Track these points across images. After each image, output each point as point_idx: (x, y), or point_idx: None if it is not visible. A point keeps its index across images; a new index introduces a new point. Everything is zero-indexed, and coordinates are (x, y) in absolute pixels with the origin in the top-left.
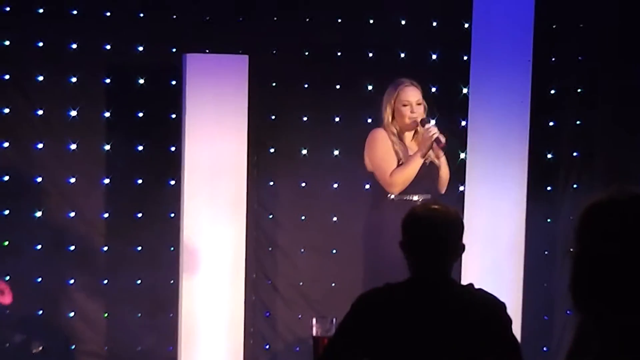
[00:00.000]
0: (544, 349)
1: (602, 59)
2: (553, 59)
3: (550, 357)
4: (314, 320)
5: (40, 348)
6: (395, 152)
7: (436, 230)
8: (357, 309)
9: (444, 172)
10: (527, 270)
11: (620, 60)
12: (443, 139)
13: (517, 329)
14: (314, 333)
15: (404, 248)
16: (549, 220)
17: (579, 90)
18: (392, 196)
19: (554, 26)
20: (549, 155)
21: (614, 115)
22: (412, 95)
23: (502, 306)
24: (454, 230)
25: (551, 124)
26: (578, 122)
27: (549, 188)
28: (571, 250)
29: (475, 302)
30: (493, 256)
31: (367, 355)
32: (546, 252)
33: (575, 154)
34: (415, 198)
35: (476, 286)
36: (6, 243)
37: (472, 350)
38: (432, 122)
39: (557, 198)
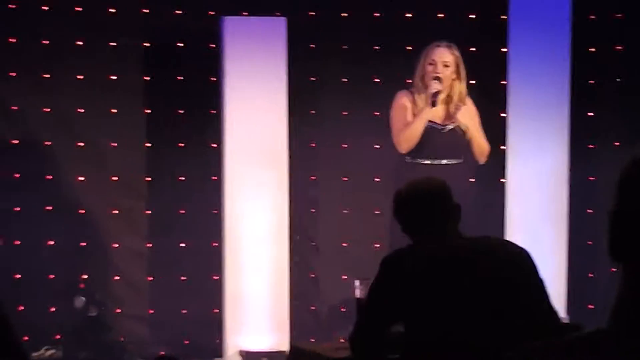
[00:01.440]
0: (590, 307)
1: None
2: (592, 16)
3: (597, 315)
4: (357, 282)
5: (83, 300)
6: (414, 114)
7: (427, 196)
8: (383, 272)
9: (478, 143)
10: (571, 229)
11: None
12: (436, 98)
13: (562, 288)
14: (357, 295)
15: (406, 228)
16: (591, 178)
17: (618, 47)
18: (407, 159)
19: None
20: (590, 113)
21: None
22: (439, 54)
23: (526, 252)
24: (442, 193)
25: (592, 82)
26: (618, 80)
27: (590, 145)
28: (612, 205)
29: (500, 250)
30: (536, 216)
31: (401, 316)
32: (590, 211)
33: (616, 110)
34: (428, 162)
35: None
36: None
37: (504, 297)
38: (437, 82)
39: (600, 155)
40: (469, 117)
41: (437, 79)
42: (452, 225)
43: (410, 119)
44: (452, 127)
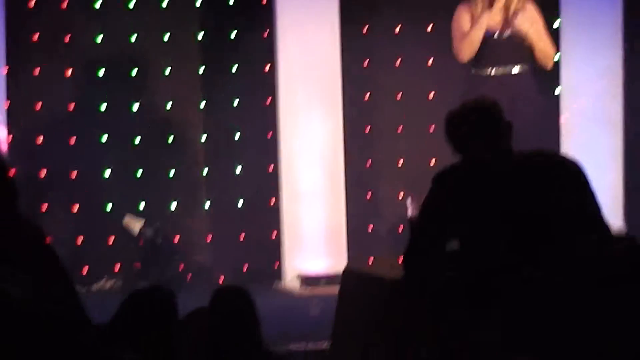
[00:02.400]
0: None
1: None
2: None
3: None
4: (409, 200)
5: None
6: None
7: (477, 115)
8: (435, 188)
9: (540, 48)
10: (626, 137)
11: None
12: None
13: (619, 198)
14: (410, 213)
15: (457, 149)
16: None
17: None
18: (473, 70)
19: None
20: None
21: None
22: None
23: (579, 164)
24: (492, 111)
25: None
26: None
27: None
28: None
29: (552, 163)
30: (591, 124)
31: (453, 232)
32: None
33: None
34: (493, 72)
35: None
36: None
37: (556, 210)
38: None
39: None
40: (529, 23)
41: None
42: (503, 142)
43: (469, 28)
44: (509, 34)
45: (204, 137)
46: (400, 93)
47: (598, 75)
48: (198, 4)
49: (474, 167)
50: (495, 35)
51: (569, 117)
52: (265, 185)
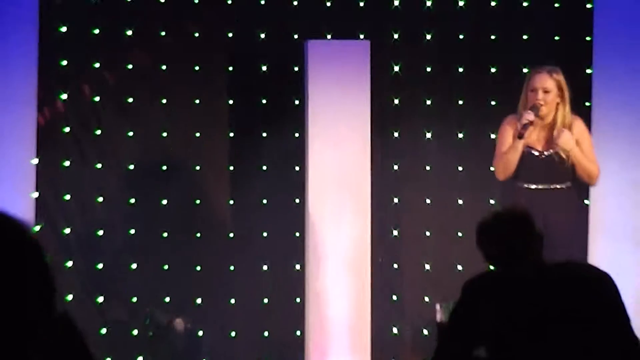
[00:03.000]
0: None
1: None
2: None
3: None
4: (438, 306)
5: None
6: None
7: (510, 226)
8: (466, 296)
9: (583, 168)
10: None
11: None
12: (525, 130)
13: None
14: (438, 319)
15: (489, 258)
16: None
17: None
18: (518, 184)
19: None
20: None
21: None
22: (539, 81)
23: (609, 276)
24: (525, 222)
25: None
26: None
27: None
28: None
29: (583, 275)
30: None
31: (482, 341)
32: None
33: None
34: (533, 187)
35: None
36: (132, 231)
37: (586, 323)
38: (531, 112)
39: None
40: (574, 141)
41: (535, 107)
42: (535, 252)
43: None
44: (550, 153)
45: (231, 234)
46: (429, 198)
47: (626, 187)
48: (230, 102)
49: (504, 277)
50: (537, 153)
51: (596, 228)
52: (290, 283)
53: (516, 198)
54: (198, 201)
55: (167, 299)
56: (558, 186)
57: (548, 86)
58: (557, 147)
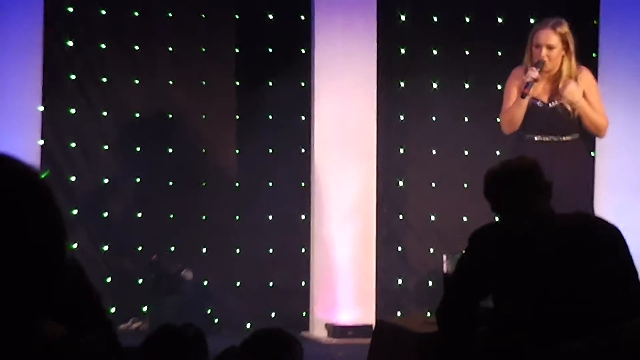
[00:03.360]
0: None
1: None
2: None
3: None
4: (444, 257)
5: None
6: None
7: (516, 175)
8: (473, 246)
9: (590, 119)
10: None
11: None
12: (528, 89)
13: None
14: (445, 270)
15: (496, 207)
16: None
17: None
18: (523, 135)
19: None
20: None
21: None
22: (543, 37)
23: (617, 229)
24: (532, 171)
25: None
26: None
27: None
28: None
29: (591, 226)
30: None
31: (489, 291)
32: None
33: None
34: (536, 138)
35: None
36: (138, 180)
37: (594, 273)
38: (535, 69)
39: None
40: (579, 92)
41: (539, 63)
42: (542, 203)
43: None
44: (555, 105)
45: (237, 184)
46: (435, 148)
47: (631, 140)
48: (237, 51)
49: (512, 227)
50: (541, 105)
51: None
52: (296, 233)
53: (522, 150)
54: (204, 150)
55: (173, 249)
56: (564, 138)
57: (552, 42)
58: (562, 99)
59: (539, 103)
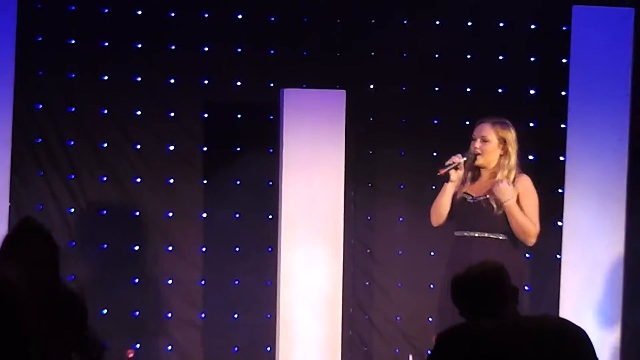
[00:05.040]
0: None
1: None
2: None
3: None
4: (410, 357)
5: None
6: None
7: (485, 280)
8: (440, 347)
9: (517, 222)
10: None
11: None
12: (444, 169)
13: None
14: None
15: (464, 312)
16: None
17: None
18: (456, 233)
19: None
20: None
21: None
22: (479, 130)
23: (584, 331)
24: (499, 276)
25: None
26: None
27: None
28: None
29: (559, 329)
30: (592, 295)
31: None
32: None
33: None
34: (457, 234)
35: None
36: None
37: None
38: (461, 156)
39: None
40: (511, 193)
41: (469, 153)
42: (509, 307)
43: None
44: (480, 199)
45: (202, 282)
46: (401, 249)
47: (600, 241)
48: (204, 149)
49: (480, 330)
50: (469, 198)
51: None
52: (263, 333)
53: (455, 246)
54: (170, 248)
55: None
56: (490, 235)
57: (487, 136)
58: (492, 196)
59: (468, 198)
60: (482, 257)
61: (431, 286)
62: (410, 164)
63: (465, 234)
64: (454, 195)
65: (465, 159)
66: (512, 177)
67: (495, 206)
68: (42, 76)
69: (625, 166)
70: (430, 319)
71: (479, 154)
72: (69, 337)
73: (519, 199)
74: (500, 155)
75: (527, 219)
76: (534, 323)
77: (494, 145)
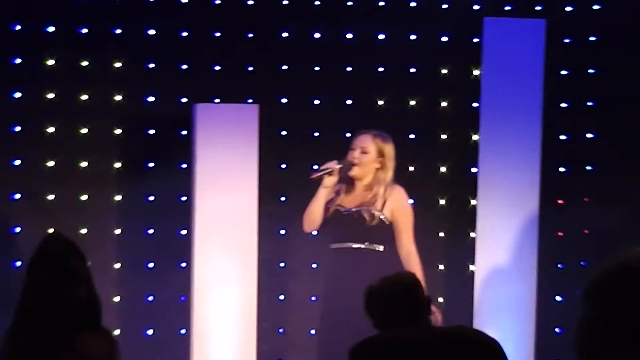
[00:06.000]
0: None
1: (613, 104)
2: (563, 105)
3: None
4: None
5: None
6: (336, 192)
7: (399, 291)
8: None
9: (406, 260)
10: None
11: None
12: (316, 173)
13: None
14: None
15: (378, 323)
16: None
17: (589, 136)
18: (332, 245)
19: (562, 72)
20: (560, 201)
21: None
22: (358, 141)
23: (497, 342)
24: (413, 287)
25: (562, 169)
26: (589, 168)
27: (560, 234)
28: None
29: (472, 340)
30: (506, 305)
31: None
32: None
33: (586, 199)
34: (338, 246)
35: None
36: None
37: None
38: (338, 163)
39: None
40: (390, 208)
41: (345, 161)
42: (422, 317)
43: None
44: (352, 211)
45: (117, 298)
46: (315, 263)
47: (512, 253)
48: (117, 166)
49: (393, 340)
50: (343, 211)
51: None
52: (176, 347)
53: (332, 258)
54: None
55: None
56: (362, 246)
57: (367, 147)
58: (363, 207)
59: (342, 209)
60: (360, 269)
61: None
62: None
63: (342, 245)
64: (328, 209)
65: (340, 166)
66: (387, 191)
67: (368, 218)
68: None
69: (537, 176)
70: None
71: (355, 164)
72: None
73: (393, 214)
74: (377, 169)
75: (405, 230)
76: (448, 334)
77: (372, 157)
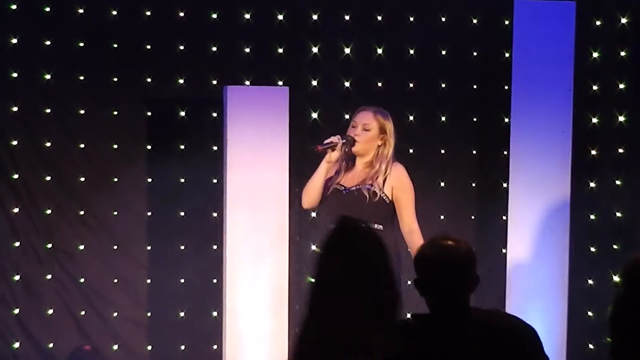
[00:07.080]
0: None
1: None
2: (594, 87)
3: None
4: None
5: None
6: (336, 172)
7: (446, 269)
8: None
9: (408, 237)
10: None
11: None
12: (321, 146)
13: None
14: None
15: (417, 287)
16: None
17: (621, 118)
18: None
19: (594, 55)
20: (592, 185)
21: None
22: (360, 117)
23: (531, 329)
24: (465, 266)
25: (593, 152)
26: (621, 151)
27: (592, 217)
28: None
29: (502, 328)
30: (538, 290)
31: None
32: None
33: (617, 181)
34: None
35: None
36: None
37: None
38: (341, 138)
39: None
40: (390, 186)
41: (347, 137)
42: (469, 295)
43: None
44: (353, 189)
45: (148, 280)
46: None
47: (544, 235)
48: (149, 147)
49: (417, 328)
50: (343, 190)
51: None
52: (209, 330)
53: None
54: (115, 247)
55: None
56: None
57: (369, 124)
58: (363, 185)
59: (341, 189)
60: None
61: None
62: None
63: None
64: (328, 187)
65: (344, 141)
66: (388, 169)
67: (368, 196)
68: None
69: (569, 159)
70: None
71: (356, 140)
72: None
73: (394, 192)
74: (379, 146)
75: (407, 211)
76: (485, 318)
77: (375, 134)
